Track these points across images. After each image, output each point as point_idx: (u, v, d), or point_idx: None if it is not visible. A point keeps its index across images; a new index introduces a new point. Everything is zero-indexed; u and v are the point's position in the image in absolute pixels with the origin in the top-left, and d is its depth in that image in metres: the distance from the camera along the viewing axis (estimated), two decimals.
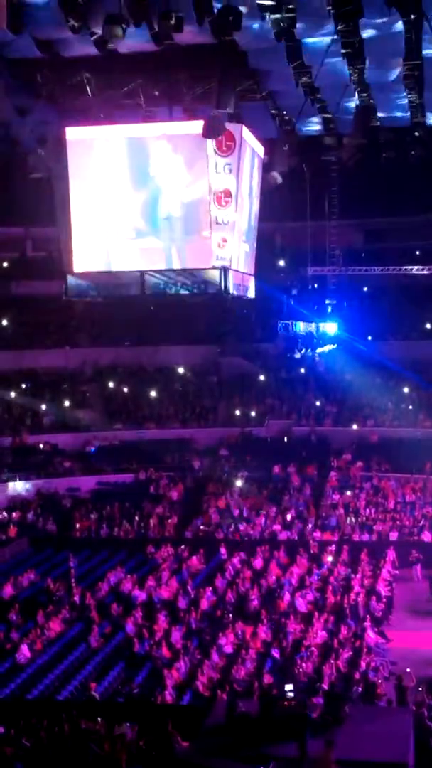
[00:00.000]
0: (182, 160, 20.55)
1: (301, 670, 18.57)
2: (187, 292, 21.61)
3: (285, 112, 21.33)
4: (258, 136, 21.69)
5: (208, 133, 18.95)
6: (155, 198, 21.08)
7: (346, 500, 30.54)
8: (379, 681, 18.11)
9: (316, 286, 33.80)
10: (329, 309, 33.19)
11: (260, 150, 22.34)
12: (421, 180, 29.18)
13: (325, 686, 17.23)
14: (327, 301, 33.36)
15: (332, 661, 18.90)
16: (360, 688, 17.67)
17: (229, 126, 19.75)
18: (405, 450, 31.48)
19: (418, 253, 35.56)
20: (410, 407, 34.56)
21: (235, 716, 14.18)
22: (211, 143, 19.84)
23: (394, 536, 28.19)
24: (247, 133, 20.75)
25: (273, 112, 21.17)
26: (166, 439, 34.75)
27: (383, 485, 31.34)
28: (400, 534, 28.38)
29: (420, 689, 17.25)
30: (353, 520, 29.43)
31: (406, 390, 34.92)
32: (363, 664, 18.88)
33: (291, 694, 14.42)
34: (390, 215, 34.50)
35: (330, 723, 14.19)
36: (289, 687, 14.63)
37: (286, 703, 14.21)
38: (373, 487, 31.46)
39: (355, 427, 34.49)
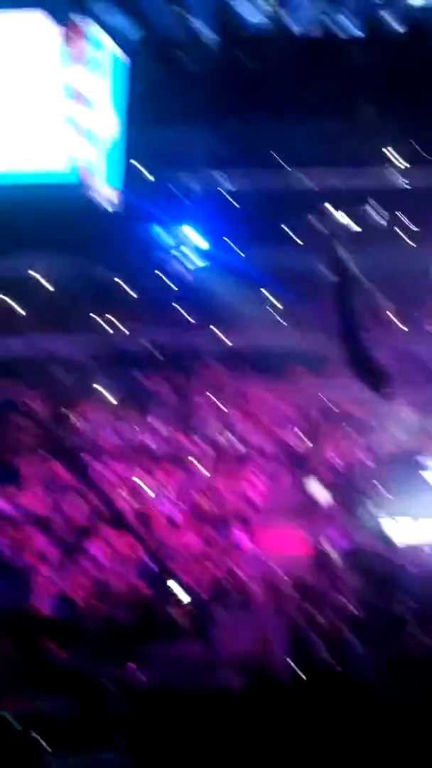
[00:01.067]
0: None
1: (176, 578, 18.81)
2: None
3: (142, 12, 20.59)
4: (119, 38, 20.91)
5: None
6: None
7: (216, 410, 30.74)
8: (252, 585, 18.54)
9: (180, 194, 33.18)
10: (195, 217, 32.74)
11: (120, 53, 21.56)
12: (287, 85, 28.81)
13: (201, 593, 17.54)
14: (193, 210, 32.86)
15: (206, 568, 19.21)
16: (235, 593, 18.05)
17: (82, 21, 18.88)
18: (274, 359, 31.76)
19: (285, 159, 35.23)
20: (278, 316, 34.79)
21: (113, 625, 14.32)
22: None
23: (264, 445, 28.63)
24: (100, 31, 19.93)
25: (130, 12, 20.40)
26: (29, 353, 33.87)
27: (253, 395, 31.68)
28: (271, 442, 28.83)
29: (292, 592, 17.77)
30: (223, 429, 29.69)
31: (274, 299, 35.06)
32: (237, 570, 19.25)
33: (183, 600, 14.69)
34: (256, 120, 33.97)
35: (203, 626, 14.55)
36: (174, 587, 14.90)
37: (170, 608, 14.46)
38: (243, 396, 31.74)
39: (223, 336, 34.50)
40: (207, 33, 20.01)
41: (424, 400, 29.86)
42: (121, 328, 34.87)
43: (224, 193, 34.81)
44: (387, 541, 20.89)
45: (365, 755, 7.37)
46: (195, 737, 7.90)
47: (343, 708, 8.62)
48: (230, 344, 34.23)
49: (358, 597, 17.63)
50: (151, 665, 13.39)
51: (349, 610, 16.85)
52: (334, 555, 20.47)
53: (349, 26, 24.78)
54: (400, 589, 17.87)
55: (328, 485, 24.96)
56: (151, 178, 32.55)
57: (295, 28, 23.20)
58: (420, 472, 26.65)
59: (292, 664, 14.27)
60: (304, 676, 13.67)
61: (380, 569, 19.31)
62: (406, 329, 31.46)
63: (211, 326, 34.80)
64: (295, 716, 8.66)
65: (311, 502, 23.84)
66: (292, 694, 12.80)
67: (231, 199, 35.08)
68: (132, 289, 36.21)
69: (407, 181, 29.77)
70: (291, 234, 35.13)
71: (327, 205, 30.12)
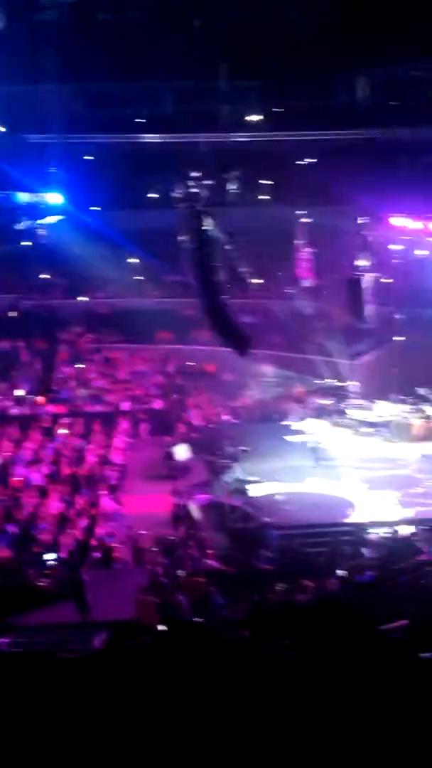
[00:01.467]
0: None
1: (39, 541, 18.72)
2: None
3: None
4: None
5: None
6: None
7: (77, 372, 30.54)
8: (116, 545, 18.64)
9: (36, 153, 32.42)
10: (52, 178, 32.10)
11: None
12: (144, 45, 28.56)
13: (64, 555, 17.51)
14: (49, 170, 32.21)
15: (69, 531, 19.19)
16: (98, 554, 18.11)
17: None
18: (134, 321, 31.68)
19: (143, 120, 34.99)
20: (138, 278, 34.70)
21: None
22: None
23: (126, 406, 28.66)
24: None
25: None
26: None
27: (114, 356, 31.61)
28: (133, 403, 28.89)
29: (154, 549, 17.98)
30: (85, 392, 29.54)
31: (133, 261, 34.92)
32: (100, 531, 19.31)
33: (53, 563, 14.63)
34: (113, 80, 33.52)
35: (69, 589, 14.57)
36: (50, 556, 14.83)
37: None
38: (104, 358, 31.63)
39: (83, 299, 34.20)
40: None
41: (284, 360, 30.54)
42: None
43: (83, 154, 34.31)
44: (246, 496, 21.32)
45: (228, 706, 7.52)
46: (61, 700, 7.89)
47: (206, 660, 8.80)
48: (91, 307, 33.99)
49: (219, 551, 18.00)
50: (17, 630, 13.33)
51: (210, 564, 17.19)
52: (195, 511, 20.81)
53: None
54: (258, 542, 18.34)
55: (189, 444, 25.24)
56: (4, 136, 31.76)
57: None
58: (278, 429, 27.37)
59: (156, 619, 14.49)
60: (167, 630, 13.90)
61: (242, 525, 19.75)
62: (265, 290, 31.92)
63: (72, 288, 34.44)
64: (160, 671, 8.75)
65: (173, 461, 24.07)
66: (156, 648, 12.98)
67: (90, 160, 34.63)
68: None
69: (266, 143, 30.01)
70: (150, 195, 35.09)
71: (188, 167, 30.07)
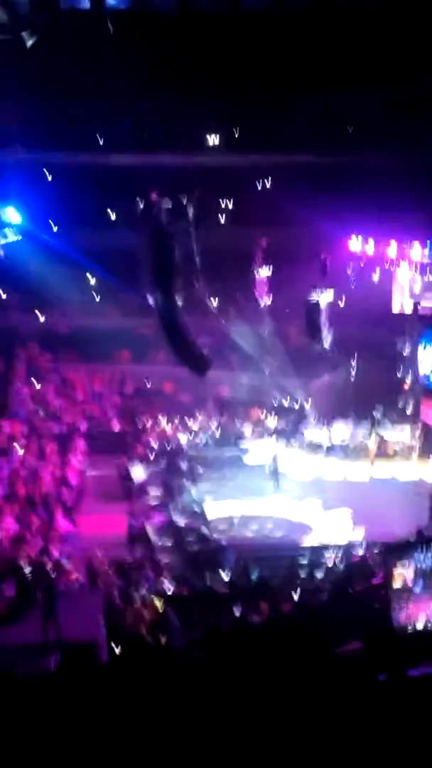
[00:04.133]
0: None
1: None
2: None
3: None
4: None
5: None
6: None
7: (34, 391, 30.36)
8: (71, 566, 18.54)
9: None
10: (11, 195, 31.99)
11: None
12: (104, 65, 28.64)
13: (19, 575, 17.40)
14: (10, 188, 32.10)
15: (24, 551, 19.04)
16: (53, 574, 17.98)
17: None
18: (93, 340, 31.56)
19: (101, 140, 35.06)
20: (98, 298, 34.63)
21: None
22: None
23: (83, 426, 28.55)
24: None
25: None
26: None
27: (71, 376, 31.50)
28: (90, 424, 28.81)
29: (109, 571, 17.93)
30: (42, 411, 29.38)
31: (93, 281, 34.85)
32: (55, 552, 19.19)
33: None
34: (74, 100, 33.56)
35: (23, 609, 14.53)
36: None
37: None
38: (61, 377, 31.50)
39: (42, 318, 34.03)
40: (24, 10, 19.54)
41: (241, 383, 30.65)
42: None
43: (44, 172, 34.26)
44: (202, 518, 21.37)
45: (180, 727, 7.58)
46: (19, 718, 7.91)
47: (159, 681, 8.84)
48: (50, 326, 33.80)
49: (175, 572, 18.01)
50: None
51: (166, 586, 17.20)
52: (151, 532, 20.79)
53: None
54: (214, 564, 18.38)
55: (147, 466, 25.24)
56: None
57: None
58: (235, 450, 27.47)
59: (108, 642, 14.48)
60: (119, 651, 13.90)
61: (197, 546, 19.76)
62: (225, 312, 32.04)
63: (31, 307, 34.24)
64: (116, 691, 8.80)
65: (130, 483, 24.04)
66: (108, 670, 12.97)
67: (50, 178, 34.57)
68: None
69: (227, 163, 30.21)
70: (112, 215, 35.10)
71: (147, 186, 30.18)
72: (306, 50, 27.75)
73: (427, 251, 25.23)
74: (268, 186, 31.73)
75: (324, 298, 27.83)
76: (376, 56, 27.46)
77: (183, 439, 28.38)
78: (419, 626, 10.07)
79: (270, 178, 31.94)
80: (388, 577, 15.71)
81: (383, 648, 11.09)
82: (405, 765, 6.86)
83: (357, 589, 16.04)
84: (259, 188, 31.84)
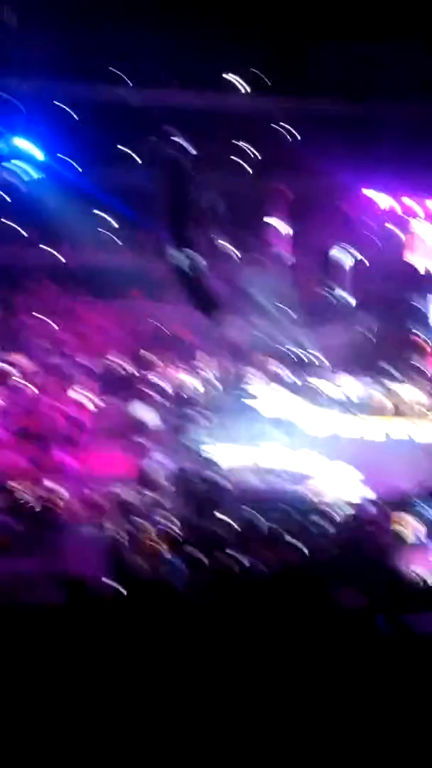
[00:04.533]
0: None
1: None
2: None
3: None
4: None
5: None
6: None
7: (46, 328, 30.21)
8: (77, 504, 18.61)
9: (16, 103, 31.81)
10: (31, 129, 31.56)
11: None
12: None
13: (26, 511, 17.49)
14: (28, 121, 31.64)
15: (30, 487, 19.10)
16: (59, 512, 18.08)
17: None
18: (104, 278, 31.29)
19: (122, 75, 34.43)
20: (111, 235, 34.30)
21: None
22: None
23: (92, 364, 28.45)
24: None
25: None
26: None
27: (82, 313, 31.33)
28: (99, 362, 28.70)
29: (116, 510, 18.00)
30: (48, 345, 29.25)
31: (106, 218, 34.47)
32: (61, 489, 19.23)
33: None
34: (98, 31, 32.87)
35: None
36: None
37: None
38: (71, 314, 31.32)
39: (52, 251, 33.70)
40: None
41: (251, 328, 30.45)
42: None
43: (62, 106, 33.73)
44: (211, 464, 21.39)
45: (184, 670, 7.58)
46: (17, 654, 7.89)
47: (164, 623, 8.85)
48: (63, 262, 33.55)
49: (182, 518, 18.06)
50: None
51: (173, 530, 17.25)
52: (159, 476, 20.83)
53: None
54: (222, 510, 18.42)
55: (155, 408, 25.21)
56: None
57: None
58: (243, 397, 27.42)
59: (112, 581, 14.54)
60: (125, 592, 13.94)
61: (203, 491, 19.81)
62: (239, 256, 31.77)
63: (44, 243, 33.95)
64: (117, 631, 8.79)
65: (138, 424, 24.01)
66: (114, 609, 13.02)
67: (70, 112, 34.07)
68: None
69: (250, 107, 29.77)
70: (130, 153, 34.64)
71: (168, 126, 29.76)
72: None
73: None
74: (291, 132, 31.31)
75: (341, 249, 27.56)
76: (408, 5, 26.97)
77: (193, 382, 28.30)
78: (426, 576, 10.14)
79: (293, 126, 31.51)
80: (395, 530, 15.82)
81: (388, 597, 11.12)
82: (406, 715, 6.87)
83: (364, 541, 16.12)
84: (282, 134, 31.43)
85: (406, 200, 27.23)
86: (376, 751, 6.47)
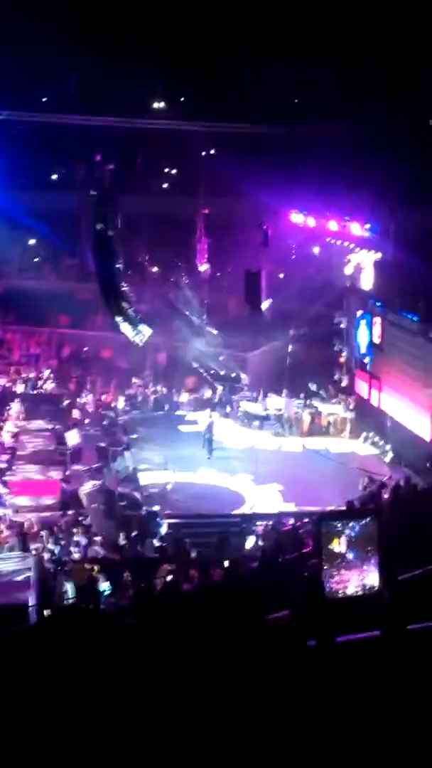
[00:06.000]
0: None
1: None
2: None
3: None
4: None
5: None
6: None
7: None
8: (2, 529, 18.45)
9: None
10: None
11: None
12: (50, 23, 28.10)
13: None
14: None
15: None
16: None
17: None
18: (31, 302, 31.20)
19: (45, 100, 34.47)
20: (36, 259, 34.25)
21: None
22: None
23: (18, 389, 28.35)
24: None
25: None
26: None
27: (8, 338, 31.18)
28: (25, 386, 28.60)
29: (41, 534, 17.90)
30: None
31: (32, 242, 34.42)
32: None
33: None
34: (19, 58, 32.84)
35: None
36: None
37: None
38: None
39: None
40: None
41: (177, 350, 30.61)
42: None
43: None
44: (135, 484, 21.43)
45: (114, 690, 7.61)
46: None
47: (88, 644, 8.88)
48: None
49: (106, 538, 18.07)
50: None
51: (97, 551, 17.26)
52: (84, 497, 20.81)
53: None
54: (146, 530, 18.48)
55: (81, 430, 25.17)
56: None
57: None
58: (170, 419, 27.56)
59: (39, 604, 14.47)
60: (49, 615, 13.89)
61: (128, 511, 19.83)
62: (165, 279, 31.92)
63: None
64: (45, 655, 8.78)
65: (64, 446, 23.93)
66: (37, 633, 12.96)
67: None
68: None
69: (173, 130, 29.92)
70: (52, 177, 34.66)
71: (92, 149, 29.81)
72: (257, 17, 27.61)
73: (367, 228, 25.37)
74: (212, 154, 31.63)
75: (264, 269, 27.87)
76: (328, 28, 27.42)
77: (119, 404, 28.38)
78: (349, 592, 10.28)
79: (214, 147, 31.83)
80: (319, 546, 15.94)
81: (313, 614, 11.25)
82: (335, 728, 7.00)
83: (287, 558, 16.24)
84: (203, 156, 31.73)
85: (327, 220, 27.61)
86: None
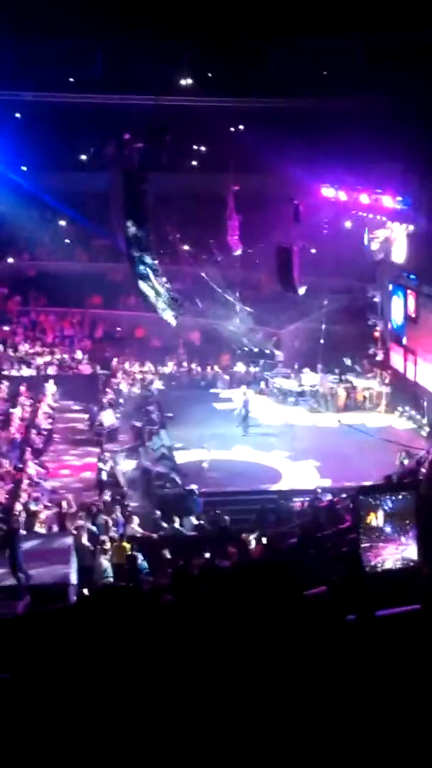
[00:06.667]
0: None
1: None
2: None
3: None
4: None
5: None
6: None
7: (3, 335, 30.16)
8: (41, 510, 18.59)
9: None
10: None
11: None
12: (76, 2, 27.98)
13: None
14: None
15: None
16: (22, 518, 18.01)
17: None
18: (63, 284, 31.31)
19: (72, 80, 34.40)
20: (67, 241, 34.29)
21: None
22: None
23: (53, 370, 28.46)
24: None
25: None
26: None
27: (41, 319, 31.29)
28: (59, 367, 28.71)
29: (79, 514, 17.99)
30: (11, 354, 29.22)
31: (62, 223, 34.46)
32: (24, 495, 19.22)
33: None
34: (45, 38, 32.77)
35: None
36: None
37: None
38: (30, 321, 31.29)
39: (10, 260, 33.66)
40: None
41: (211, 327, 30.57)
42: None
43: (12, 112, 33.58)
44: (171, 463, 21.45)
45: (154, 669, 7.62)
46: None
47: (127, 623, 8.91)
48: (18, 268, 33.44)
49: (144, 517, 18.12)
50: None
51: (135, 530, 17.31)
52: (121, 477, 20.87)
53: None
54: (183, 508, 18.51)
55: (116, 410, 25.25)
56: None
57: None
58: (204, 396, 27.55)
59: (78, 583, 14.58)
60: (88, 593, 13.98)
61: (164, 490, 19.88)
62: (196, 258, 31.84)
63: (1, 251, 33.79)
64: (84, 634, 8.80)
65: (99, 427, 24.04)
66: (78, 611, 13.04)
67: (20, 119, 33.92)
68: None
69: (201, 107, 29.75)
70: (81, 157, 34.62)
71: (120, 128, 29.73)
72: None
73: (398, 200, 25.09)
74: (240, 130, 31.42)
75: (297, 245, 27.65)
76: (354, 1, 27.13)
77: (153, 384, 28.42)
78: (388, 565, 10.22)
79: (243, 123, 31.61)
80: (357, 521, 15.86)
81: (352, 589, 11.20)
82: (376, 703, 6.96)
83: (325, 533, 16.20)
84: (232, 132, 31.53)
85: (359, 193, 27.35)
86: (351, 743, 6.56)
